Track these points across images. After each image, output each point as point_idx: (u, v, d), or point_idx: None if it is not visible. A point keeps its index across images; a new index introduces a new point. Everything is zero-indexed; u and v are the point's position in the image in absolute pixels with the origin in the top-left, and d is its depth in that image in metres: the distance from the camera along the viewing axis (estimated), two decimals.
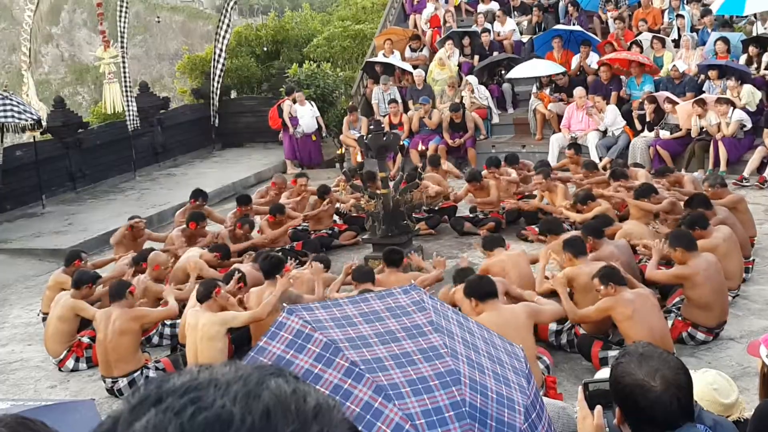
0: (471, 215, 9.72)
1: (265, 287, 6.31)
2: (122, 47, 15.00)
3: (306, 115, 14.63)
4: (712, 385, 3.29)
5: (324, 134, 15.31)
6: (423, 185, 8.92)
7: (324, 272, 6.75)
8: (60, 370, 6.83)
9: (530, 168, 10.32)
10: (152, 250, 8.05)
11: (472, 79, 13.85)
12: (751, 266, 7.31)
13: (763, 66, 11.81)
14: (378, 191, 8.26)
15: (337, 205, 10.18)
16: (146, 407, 0.78)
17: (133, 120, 14.97)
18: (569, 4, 14.95)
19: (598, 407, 2.30)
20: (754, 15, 12.99)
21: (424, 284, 6.19)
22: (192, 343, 5.86)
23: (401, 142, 10.68)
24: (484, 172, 9.94)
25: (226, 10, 16.62)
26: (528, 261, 6.87)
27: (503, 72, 14.28)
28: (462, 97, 13.64)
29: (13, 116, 11.34)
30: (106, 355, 6.16)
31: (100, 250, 10.49)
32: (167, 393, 0.79)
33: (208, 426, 0.74)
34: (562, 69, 13.32)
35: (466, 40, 14.84)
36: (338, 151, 11.43)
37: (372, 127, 8.75)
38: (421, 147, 12.46)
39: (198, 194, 9.69)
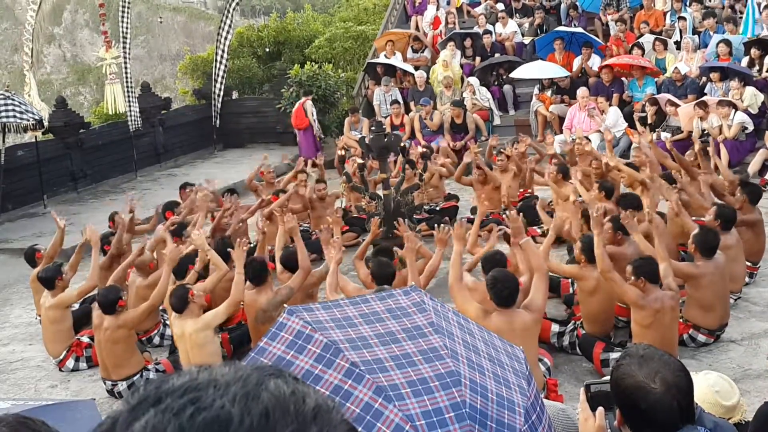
0: (472, 216, 9.71)
1: (255, 294, 6.22)
2: (124, 48, 15.02)
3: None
4: (713, 387, 3.28)
5: (321, 135, 15.33)
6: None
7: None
8: (60, 370, 6.83)
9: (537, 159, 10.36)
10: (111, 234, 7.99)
11: (474, 80, 13.86)
12: (756, 272, 7.30)
13: (765, 68, 11.81)
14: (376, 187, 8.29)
15: (338, 204, 10.18)
16: (145, 408, 0.78)
17: (135, 120, 14.99)
18: (570, 7, 14.96)
19: (600, 408, 2.30)
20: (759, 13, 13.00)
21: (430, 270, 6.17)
22: (183, 350, 5.82)
23: (402, 143, 10.68)
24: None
25: (228, 11, 16.65)
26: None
27: (502, 75, 14.27)
28: (463, 97, 13.64)
29: (14, 116, 11.35)
30: (104, 359, 6.15)
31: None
32: (166, 393, 0.79)
33: (207, 426, 0.74)
34: (567, 73, 13.33)
35: (467, 42, 14.86)
36: (339, 152, 11.42)
37: (373, 128, 8.75)
38: (421, 148, 12.44)
39: (185, 185, 9.75)
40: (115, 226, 8.67)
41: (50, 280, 6.84)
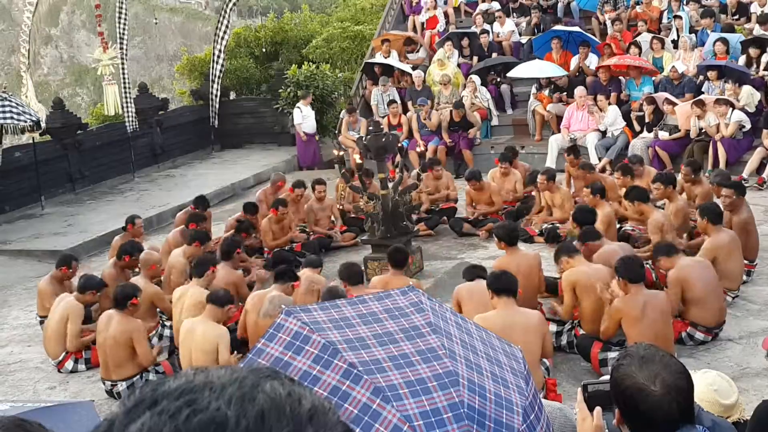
0: (470, 217, 9.71)
1: (271, 289, 6.33)
2: (121, 49, 15.01)
3: (310, 116, 14.67)
4: (712, 386, 3.28)
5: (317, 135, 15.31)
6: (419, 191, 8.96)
7: (316, 273, 6.79)
8: (59, 371, 6.82)
9: (528, 169, 10.40)
10: (133, 244, 8.00)
11: (476, 78, 13.84)
12: (752, 270, 7.31)
13: (762, 67, 11.81)
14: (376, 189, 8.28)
15: (337, 206, 10.19)
16: (141, 410, 0.78)
17: (132, 121, 14.98)
18: (566, 7, 15.01)
19: (598, 408, 2.30)
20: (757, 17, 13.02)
21: None
22: (187, 350, 5.84)
23: (400, 143, 10.69)
24: (492, 171, 9.97)
25: (225, 11, 16.64)
26: (540, 265, 6.76)
27: (497, 78, 14.25)
28: (462, 96, 13.62)
29: (12, 117, 11.34)
30: (105, 358, 6.15)
31: (99, 251, 10.49)
32: (162, 396, 0.79)
33: (203, 429, 0.74)
34: (564, 72, 13.34)
35: (464, 41, 14.86)
36: (337, 153, 11.40)
37: (371, 128, 8.75)
38: (419, 148, 12.45)
39: (199, 201, 9.60)
40: (133, 229, 8.64)
41: (86, 288, 6.92)
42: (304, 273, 6.71)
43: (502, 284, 5.24)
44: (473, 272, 6.07)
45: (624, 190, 8.35)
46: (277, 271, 6.54)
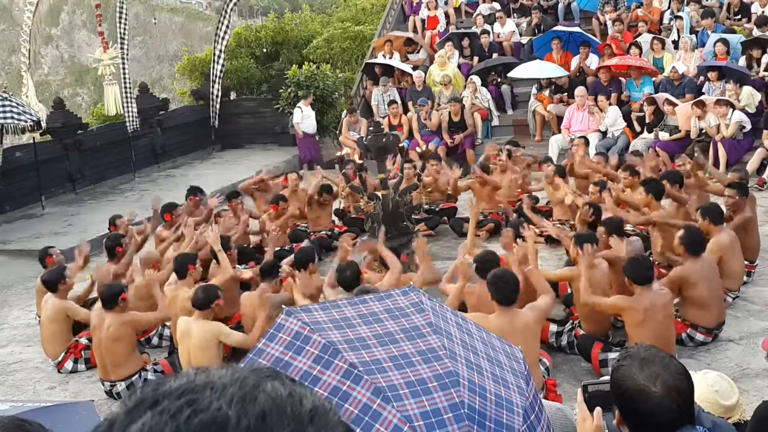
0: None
1: (259, 290, 6.31)
2: (122, 49, 15.01)
3: (311, 116, 14.69)
4: (712, 386, 3.28)
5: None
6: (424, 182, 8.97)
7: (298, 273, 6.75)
8: (59, 371, 6.82)
9: (530, 163, 10.39)
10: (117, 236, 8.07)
11: (477, 79, 13.85)
12: (753, 270, 7.31)
13: (762, 68, 11.82)
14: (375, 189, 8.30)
15: (336, 205, 10.19)
16: (142, 410, 0.78)
17: (133, 121, 14.99)
18: (567, 7, 15.02)
19: (598, 408, 2.30)
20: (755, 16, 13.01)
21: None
22: (185, 350, 5.85)
23: (400, 144, 10.68)
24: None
25: (226, 12, 16.64)
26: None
27: (498, 78, 14.25)
28: (463, 96, 13.63)
29: (12, 117, 11.34)
30: (103, 359, 6.15)
31: (99, 251, 10.46)
32: (163, 396, 0.79)
33: (204, 429, 0.74)
34: (565, 72, 13.34)
35: (465, 42, 14.87)
36: (337, 153, 11.41)
37: (371, 128, 8.75)
38: (419, 148, 12.45)
39: (196, 190, 9.71)
40: (116, 230, 8.70)
41: (53, 283, 6.88)
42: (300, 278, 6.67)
43: (504, 295, 5.12)
44: (487, 267, 5.72)
45: (626, 190, 8.35)
46: (261, 270, 6.52)
